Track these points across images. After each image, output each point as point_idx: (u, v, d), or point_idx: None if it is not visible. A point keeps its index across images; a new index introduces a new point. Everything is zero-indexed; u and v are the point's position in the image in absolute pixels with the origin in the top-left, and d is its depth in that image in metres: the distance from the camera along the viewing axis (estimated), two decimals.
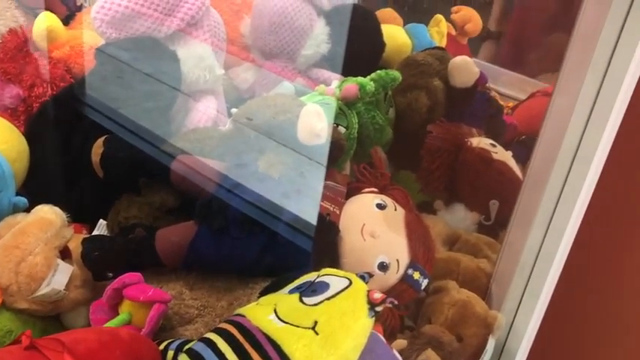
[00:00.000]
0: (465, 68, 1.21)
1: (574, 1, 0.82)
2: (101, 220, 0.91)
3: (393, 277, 0.84)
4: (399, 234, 0.87)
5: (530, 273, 0.89)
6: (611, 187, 0.86)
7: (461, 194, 1.17)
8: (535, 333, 0.93)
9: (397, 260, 0.84)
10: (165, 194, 0.85)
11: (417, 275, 0.85)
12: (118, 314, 0.75)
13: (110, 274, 0.77)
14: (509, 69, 1.62)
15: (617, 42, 0.75)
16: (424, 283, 0.87)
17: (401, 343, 0.81)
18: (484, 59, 1.76)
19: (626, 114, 0.81)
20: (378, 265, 0.83)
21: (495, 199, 1.12)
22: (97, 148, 0.87)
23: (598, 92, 0.79)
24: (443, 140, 1.14)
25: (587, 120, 0.80)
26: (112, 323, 0.73)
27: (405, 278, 0.85)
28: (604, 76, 0.78)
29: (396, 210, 0.90)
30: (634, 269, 1.00)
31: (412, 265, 0.85)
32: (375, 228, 0.86)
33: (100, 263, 0.78)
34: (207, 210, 0.76)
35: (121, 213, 0.86)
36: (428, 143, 1.15)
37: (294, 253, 0.78)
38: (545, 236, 0.86)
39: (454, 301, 0.90)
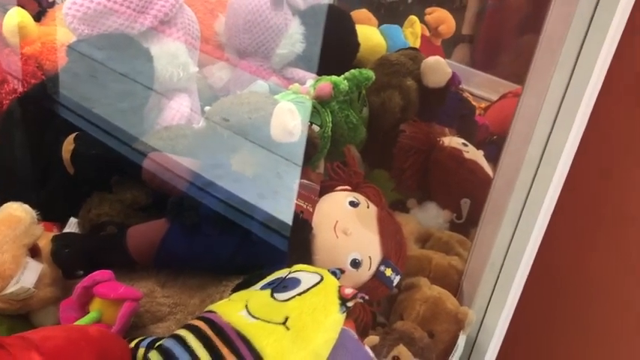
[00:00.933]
0: (438, 68, 1.21)
1: (544, 5, 0.83)
2: (72, 218, 0.90)
3: (365, 273, 0.85)
4: (371, 231, 0.87)
5: (500, 270, 0.90)
6: (578, 186, 0.88)
7: (433, 192, 1.18)
8: (505, 329, 0.94)
9: (369, 257, 0.85)
10: (137, 191, 0.84)
11: (388, 272, 0.86)
12: (88, 313, 0.74)
13: (80, 272, 0.76)
14: (483, 71, 1.64)
15: (583, 42, 0.77)
16: (396, 279, 0.87)
17: (373, 339, 0.82)
18: (458, 61, 1.78)
19: (592, 114, 0.83)
20: (351, 262, 0.84)
21: (467, 197, 1.14)
22: (68, 145, 0.86)
23: (565, 92, 0.80)
24: (415, 139, 1.15)
25: (555, 120, 0.82)
26: (81, 321, 0.72)
27: (377, 275, 0.86)
28: (571, 76, 0.79)
29: (368, 208, 0.91)
30: (600, 266, 1.02)
31: (384, 262, 0.86)
32: (348, 225, 0.86)
33: (70, 261, 0.77)
34: (179, 207, 0.76)
35: (92, 210, 0.85)
36: (400, 142, 1.16)
37: (267, 251, 0.78)
38: (514, 234, 0.88)
39: (425, 298, 0.91)
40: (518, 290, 0.91)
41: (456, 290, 0.97)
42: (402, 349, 0.82)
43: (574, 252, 1.03)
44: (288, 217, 0.82)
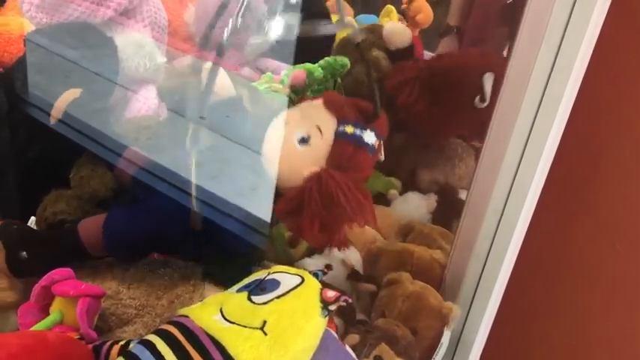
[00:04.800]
0: (397, 29, 1.24)
1: None
2: (32, 218, 0.85)
3: (320, 144, 0.74)
4: (317, 108, 0.78)
5: (485, 262, 0.87)
6: (562, 175, 0.86)
7: (447, 102, 1.12)
8: (491, 323, 0.92)
9: (317, 126, 0.74)
10: (97, 185, 0.79)
11: (350, 129, 0.74)
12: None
13: (24, 253, 0.72)
14: None
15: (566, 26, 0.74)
16: (366, 134, 0.75)
17: (353, 338, 0.78)
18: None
19: (574, 107, 0.81)
20: (298, 141, 0.74)
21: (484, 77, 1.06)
22: None
23: (547, 83, 0.78)
24: (404, 70, 1.14)
25: (539, 105, 0.79)
26: (41, 325, 0.68)
27: (338, 136, 0.74)
28: (553, 65, 0.77)
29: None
30: (589, 254, 1.00)
31: (341, 122, 0.75)
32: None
33: (17, 238, 0.73)
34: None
35: (47, 208, 0.80)
36: (392, 81, 1.13)
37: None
38: (499, 224, 0.85)
39: (408, 294, 0.87)
40: (504, 282, 0.89)
41: (439, 284, 0.94)
42: (384, 348, 0.79)
43: (561, 241, 1.01)
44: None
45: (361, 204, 0.70)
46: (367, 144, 0.74)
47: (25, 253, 0.72)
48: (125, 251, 0.76)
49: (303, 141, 0.74)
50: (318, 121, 0.75)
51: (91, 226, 0.74)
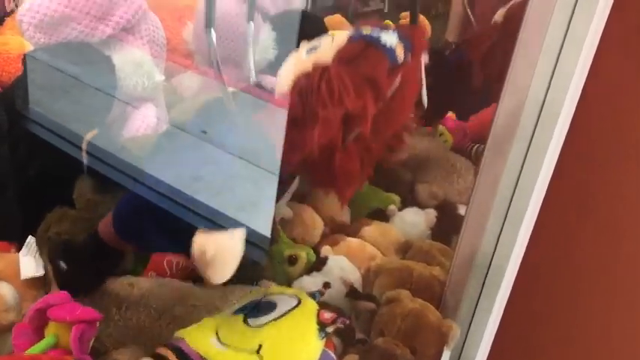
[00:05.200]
0: None
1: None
2: (30, 237, 0.84)
3: (328, 48, 0.64)
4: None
5: (485, 279, 0.87)
6: (562, 189, 0.85)
7: None
8: (492, 339, 0.91)
9: (331, 35, 0.66)
10: (107, 211, 0.78)
11: (367, 30, 0.65)
12: (43, 337, 0.69)
13: (62, 263, 0.72)
14: None
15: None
16: (385, 35, 0.63)
17: (352, 358, 0.78)
18: None
19: (575, 113, 0.80)
20: (306, 52, 0.66)
21: None
22: None
23: (547, 90, 0.77)
24: None
25: (536, 121, 0.79)
26: (35, 348, 0.67)
27: (351, 39, 0.64)
28: (554, 68, 0.76)
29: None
30: (586, 268, 1.00)
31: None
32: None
33: (55, 252, 0.74)
34: None
35: (51, 228, 0.79)
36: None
37: None
38: (498, 239, 0.85)
39: (407, 311, 0.86)
40: (504, 299, 0.88)
41: (438, 301, 0.93)
42: None
43: (561, 255, 1.00)
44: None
45: (347, 90, 0.57)
46: (384, 44, 0.63)
47: (62, 262, 0.72)
48: (135, 235, 0.75)
49: (312, 49, 0.66)
50: (335, 32, 0.67)
51: (105, 221, 0.74)
